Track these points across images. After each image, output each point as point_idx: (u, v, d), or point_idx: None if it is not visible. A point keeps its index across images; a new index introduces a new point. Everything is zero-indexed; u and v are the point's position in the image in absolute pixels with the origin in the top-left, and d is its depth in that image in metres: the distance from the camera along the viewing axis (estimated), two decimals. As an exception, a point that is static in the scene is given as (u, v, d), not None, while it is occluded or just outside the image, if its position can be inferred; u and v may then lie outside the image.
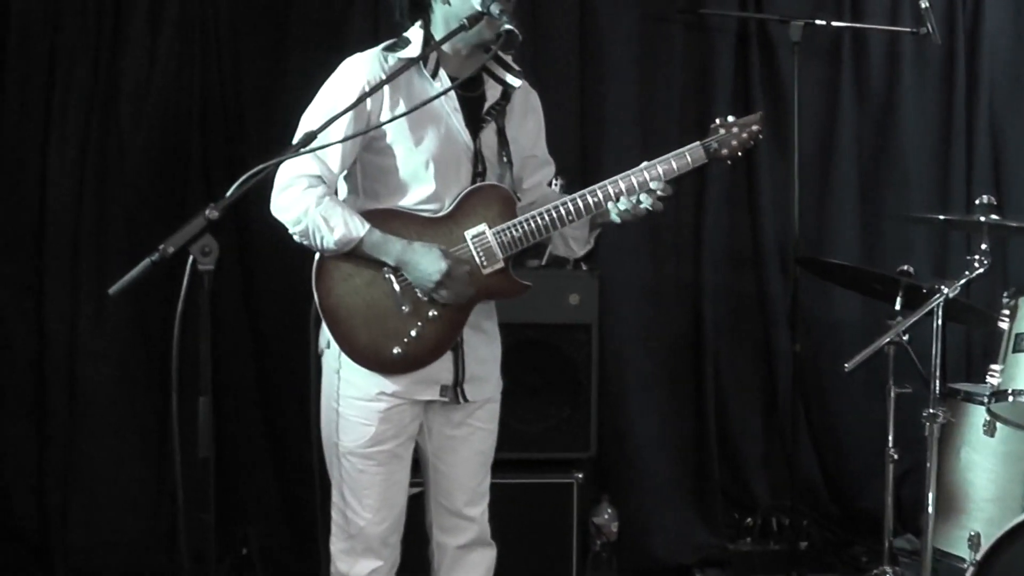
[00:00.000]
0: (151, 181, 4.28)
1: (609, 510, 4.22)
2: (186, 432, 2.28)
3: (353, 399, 2.80)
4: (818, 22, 4.26)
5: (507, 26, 2.65)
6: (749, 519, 4.38)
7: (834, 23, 4.31)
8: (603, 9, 4.42)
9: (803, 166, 4.28)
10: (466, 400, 2.85)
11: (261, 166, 2.35)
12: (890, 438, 3.59)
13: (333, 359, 2.82)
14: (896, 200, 4.48)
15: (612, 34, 4.41)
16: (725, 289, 4.46)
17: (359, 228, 2.70)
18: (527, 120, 2.93)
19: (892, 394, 3.60)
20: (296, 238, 2.73)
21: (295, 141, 2.69)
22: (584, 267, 4.03)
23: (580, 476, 3.92)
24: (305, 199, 2.70)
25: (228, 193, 2.28)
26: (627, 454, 4.36)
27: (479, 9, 2.68)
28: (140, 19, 4.25)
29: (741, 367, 4.48)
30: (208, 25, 4.27)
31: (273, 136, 4.22)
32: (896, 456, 3.60)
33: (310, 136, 2.48)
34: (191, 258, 2.24)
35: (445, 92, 2.71)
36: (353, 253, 2.72)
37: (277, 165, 2.52)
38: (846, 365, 3.34)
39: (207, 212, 2.26)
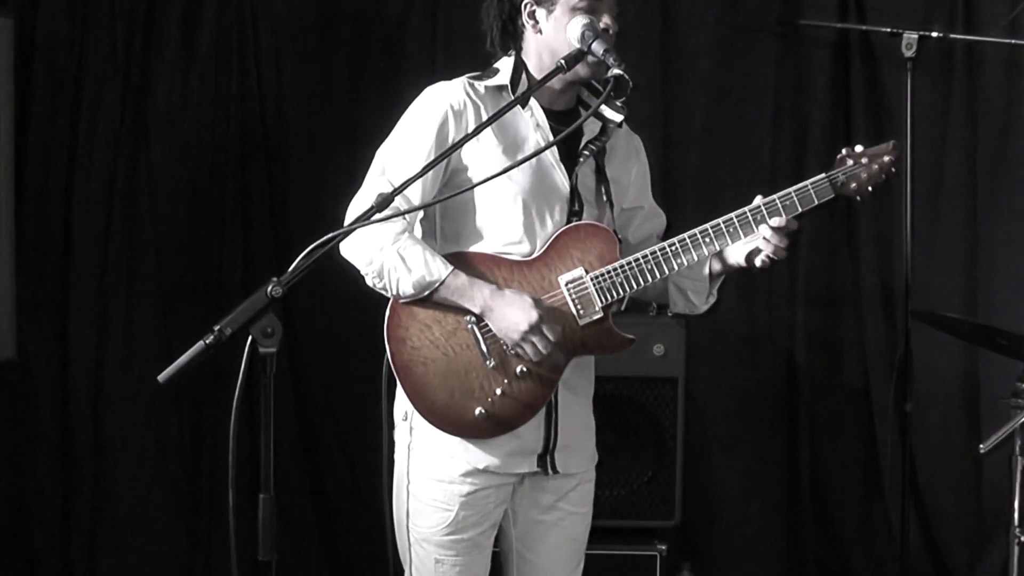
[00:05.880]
0: (184, 215, 4.01)
1: (690, 580, 3.87)
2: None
3: (430, 479, 2.45)
4: (934, 35, 3.77)
5: (616, 71, 2.31)
6: (844, 591, 4.00)
7: (952, 35, 3.81)
8: (688, 20, 3.99)
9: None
10: (555, 471, 2.48)
11: (331, 234, 2.00)
12: (1015, 516, 3.16)
13: (405, 432, 2.47)
14: (1011, 236, 3.98)
15: (697, 47, 4.00)
16: (821, 335, 4.04)
17: (441, 270, 2.36)
18: (630, 164, 2.60)
19: (1020, 466, 3.14)
20: (368, 279, 2.39)
21: (370, 173, 2.41)
22: (670, 314, 3.62)
23: (663, 548, 3.60)
24: (380, 235, 2.36)
25: (292, 267, 1.96)
26: (712, 517, 4.02)
27: (578, 47, 2.35)
28: (173, 42, 3.96)
29: (838, 421, 4.07)
30: (247, 50, 3.98)
31: (316, 167, 3.97)
32: (1023, 537, 3.17)
33: (386, 199, 2.10)
34: (249, 339, 1.95)
35: (549, 146, 2.38)
36: (432, 299, 2.38)
37: (348, 233, 2.12)
38: (981, 446, 3.01)
39: (269, 289, 1.95)
